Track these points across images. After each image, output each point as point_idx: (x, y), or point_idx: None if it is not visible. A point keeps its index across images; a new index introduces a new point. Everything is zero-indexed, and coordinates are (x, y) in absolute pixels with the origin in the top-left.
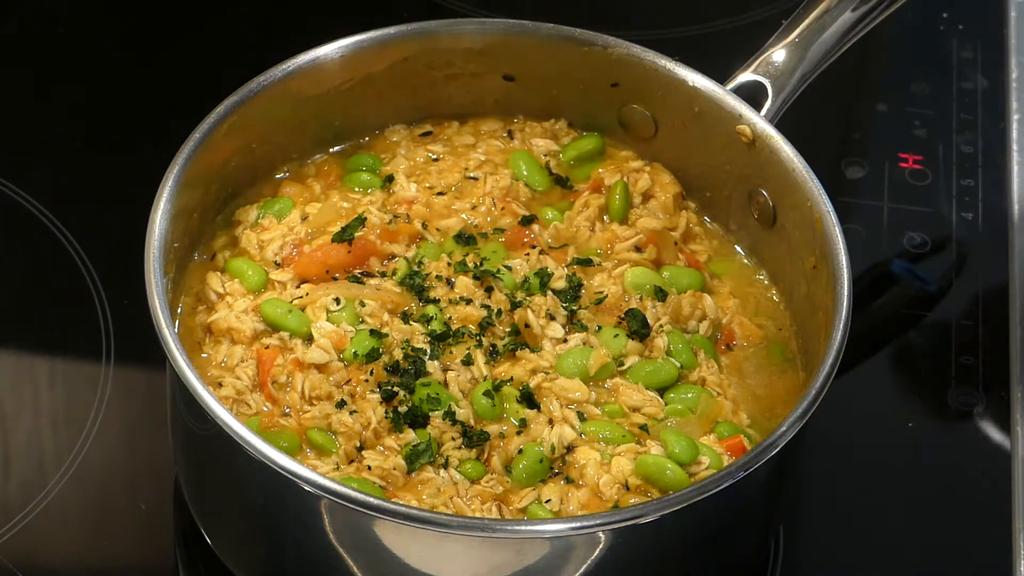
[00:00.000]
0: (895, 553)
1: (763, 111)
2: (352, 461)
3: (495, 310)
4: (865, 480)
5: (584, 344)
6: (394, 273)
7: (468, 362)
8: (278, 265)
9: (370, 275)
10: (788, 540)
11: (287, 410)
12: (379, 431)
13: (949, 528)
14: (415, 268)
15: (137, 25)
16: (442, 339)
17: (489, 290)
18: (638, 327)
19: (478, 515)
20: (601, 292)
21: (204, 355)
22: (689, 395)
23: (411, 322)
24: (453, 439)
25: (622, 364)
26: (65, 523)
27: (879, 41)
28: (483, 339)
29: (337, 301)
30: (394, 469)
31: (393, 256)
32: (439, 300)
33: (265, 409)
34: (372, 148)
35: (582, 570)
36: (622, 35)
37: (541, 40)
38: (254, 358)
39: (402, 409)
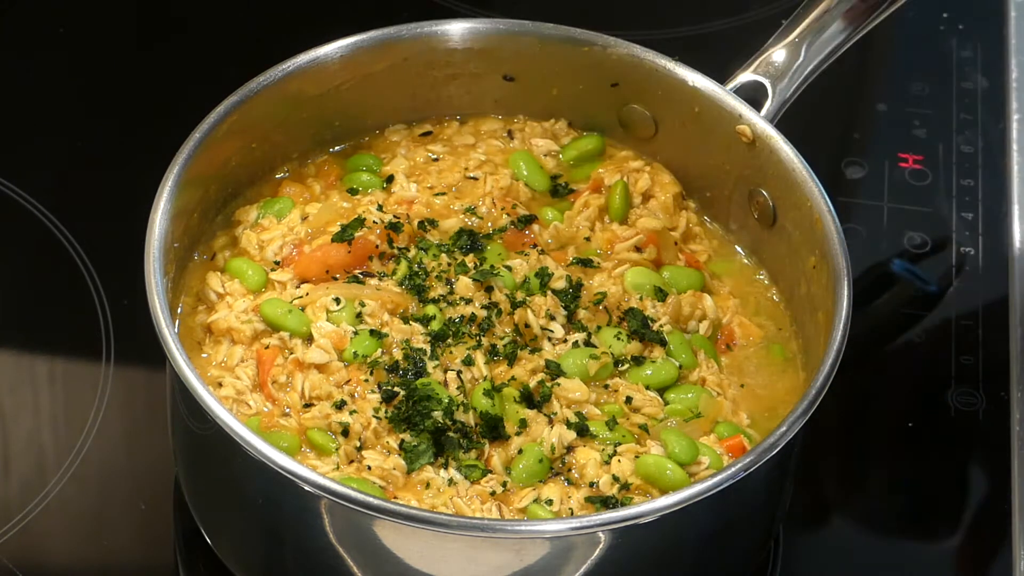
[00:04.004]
0: (895, 553)
1: (763, 111)
2: (352, 461)
3: (495, 310)
4: (865, 480)
5: (584, 344)
6: (394, 273)
7: (468, 362)
8: (278, 265)
9: (370, 275)
10: (788, 540)
11: (287, 410)
12: (379, 431)
13: (949, 528)
14: (415, 268)
15: (137, 25)
16: (442, 339)
17: (489, 290)
18: (638, 327)
19: (478, 515)
20: (601, 292)
21: (204, 355)
22: (689, 395)
23: (411, 322)
24: (453, 438)
25: (622, 364)
26: (65, 523)
27: (879, 41)
28: (483, 339)
29: (337, 301)
30: (394, 469)
31: (393, 256)
32: (439, 300)
33: (265, 409)
34: (372, 148)
35: (582, 570)
36: (622, 35)
37: (541, 40)
38: (254, 358)
39: (402, 409)
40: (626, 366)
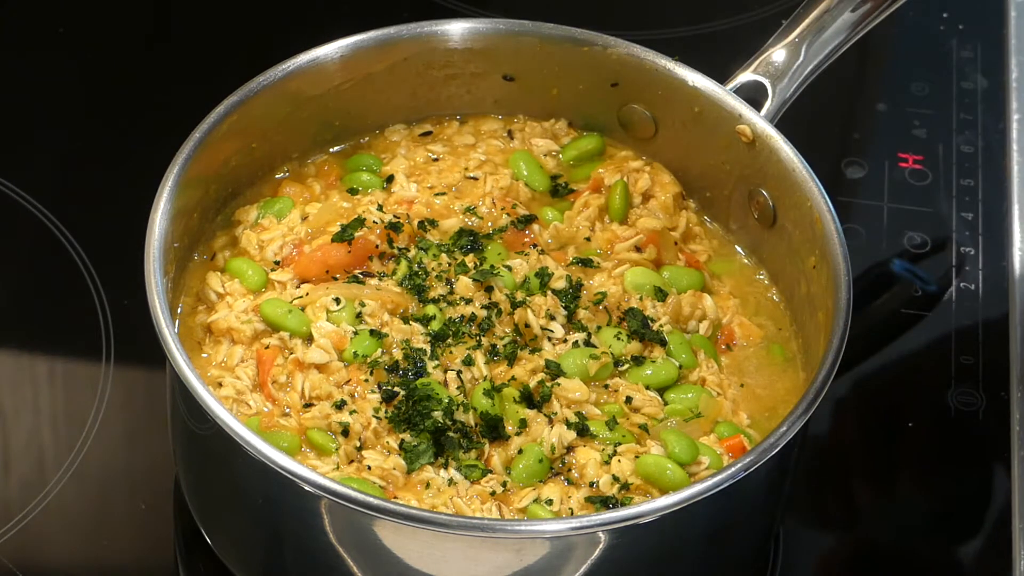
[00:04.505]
0: (895, 553)
1: (763, 111)
2: (352, 461)
3: (495, 310)
4: (865, 480)
5: (584, 344)
6: (394, 273)
7: (468, 362)
8: (278, 265)
9: (370, 275)
10: (788, 540)
11: (287, 410)
12: (379, 431)
13: (949, 528)
14: (415, 268)
15: (137, 25)
16: (442, 339)
17: (489, 290)
18: (638, 327)
19: (478, 515)
20: (601, 292)
21: (204, 355)
22: (689, 395)
23: (411, 322)
24: (453, 438)
25: (622, 364)
26: (65, 523)
27: (879, 41)
28: (483, 339)
29: (337, 301)
30: (394, 469)
31: (393, 256)
32: (439, 300)
33: (265, 409)
34: (372, 148)
35: (582, 570)
36: (622, 35)
37: (541, 40)
38: (254, 358)
39: (402, 409)
40: (626, 366)
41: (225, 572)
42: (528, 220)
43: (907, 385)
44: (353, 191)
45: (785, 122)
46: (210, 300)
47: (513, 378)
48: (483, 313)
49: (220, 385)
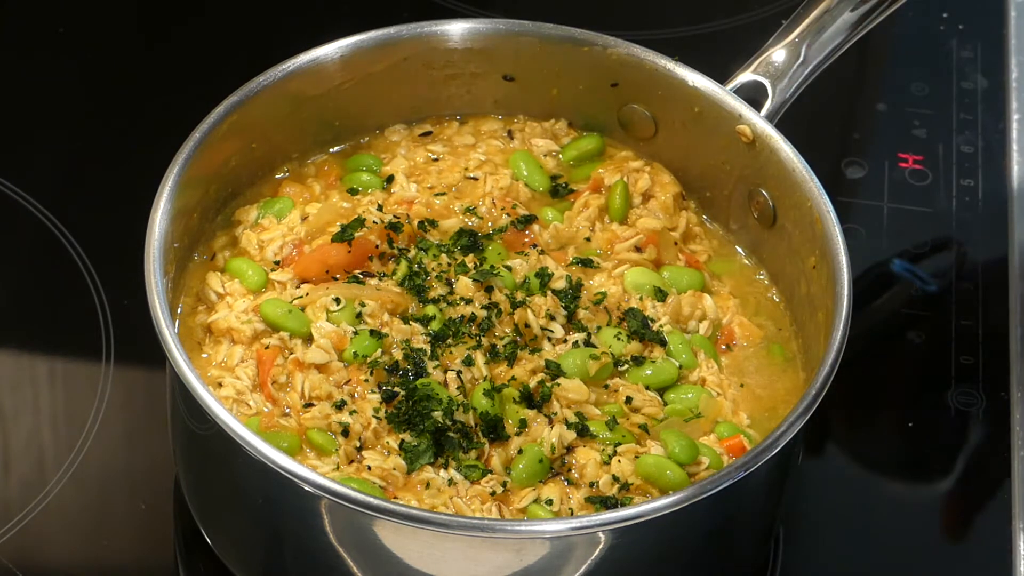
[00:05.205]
0: (895, 553)
1: (763, 111)
2: (352, 461)
3: (495, 310)
4: (865, 480)
5: (584, 344)
6: (394, 273)
7: (468, 362)
8: (278, 265)
9: (370, 275)
10: (788, 540)
11: (287, 410)
12: (379, 431)
13: (948, 528)
14: (415, 268)
15: (137, 25)
16: (442, 339)
17: (489, 290)
18: (638, 327)
19: (478, 515)
20: (601, 292)
21: (204, 355)
22: (689, 395)
23: (411, 322)
24: (453, 438)
25: (622, 364)
26: (65, 523)
27: (879, 41)
28: (483, 340)
29: (337, 301)
30: (394, 469)
31: (393, 256)
32: (439, 300)
33: (265, 409)
34: (372, 148)
35: (582, 570)
36: (622, 35)
37: (541, 40)
38: (254, 358)
39: (402, 409)
40: (626, 366)
41: (225, 572)
42: (528, 220)
43: (907, 385)
44: (353, 191)
45: (785, 122)
46: (210, 300)
47: (513, 378)
48: (483, 313)
49: (220, 385)
